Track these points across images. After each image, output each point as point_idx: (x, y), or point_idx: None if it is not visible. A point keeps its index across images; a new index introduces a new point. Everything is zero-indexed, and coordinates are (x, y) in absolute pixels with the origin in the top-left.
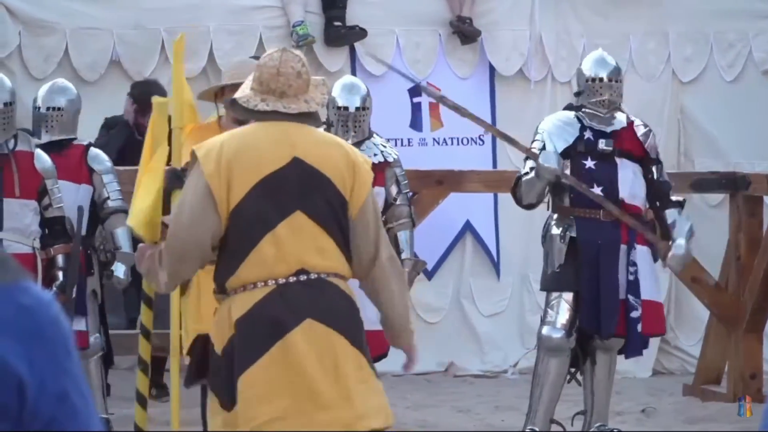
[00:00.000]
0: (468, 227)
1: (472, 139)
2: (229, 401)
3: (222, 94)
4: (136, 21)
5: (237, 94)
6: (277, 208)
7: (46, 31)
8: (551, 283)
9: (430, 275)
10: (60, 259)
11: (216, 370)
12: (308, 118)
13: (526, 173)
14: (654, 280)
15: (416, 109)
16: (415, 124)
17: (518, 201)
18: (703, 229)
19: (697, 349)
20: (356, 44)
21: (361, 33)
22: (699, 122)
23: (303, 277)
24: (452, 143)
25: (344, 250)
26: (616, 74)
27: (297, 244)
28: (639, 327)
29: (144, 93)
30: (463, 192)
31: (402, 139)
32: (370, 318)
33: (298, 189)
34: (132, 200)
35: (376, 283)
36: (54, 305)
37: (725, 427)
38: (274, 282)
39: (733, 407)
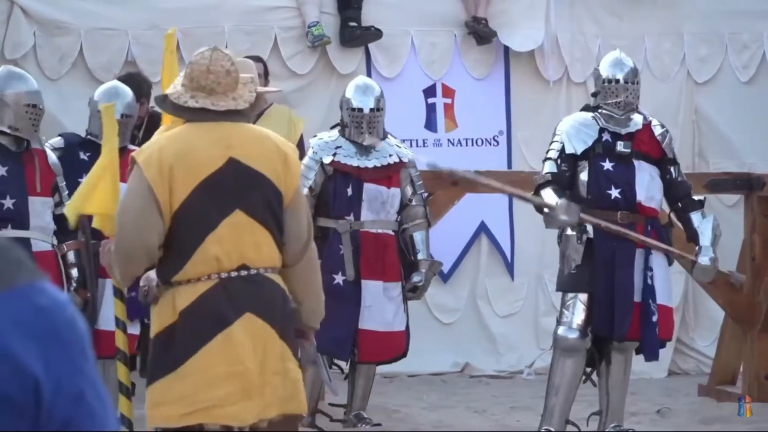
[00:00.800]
0: (483, 228)
1: (486, 140)
2: (150, 379)
3: None
4: (151, 21)
5: (168, 90)
6: (218, 208)
7: (61, 32)
8: (567, 284)
9: (446, 278)
10: (72, 256)
11: (152, 351)
12: (237, 115)
13: (545, 183)
14: (667, 286)
15: (431, 110)
16: (430, 125)
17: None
18: None
19: (713, 349)
20: (371, 45)
21: (376, 34)
22: (714, 123)
23: (244, 273)
24: (467, 144)
25: (278, 241)
26: (632, 76)
27: (237, 241)
28: (657, 331)
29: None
30: (479, 193)
31: (417, 140)
32: (387, 319)
33: (236, 188)
34: (81, 188)
35: (305, 270)
36: (70, 306)
37: (740, 427)
38: (217, 276)
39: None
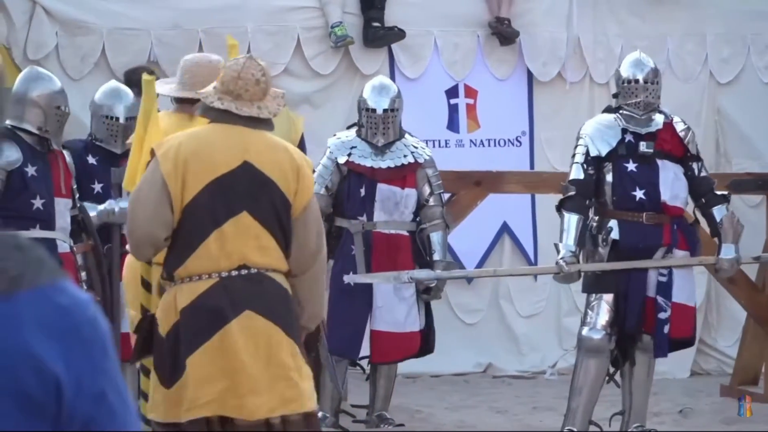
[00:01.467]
0: (505, 228)
1: (509, 140)
2: (168, 380)
3: None
4: (174, 21)
5: (201, 91)
6: (226, 208)
7: (83, 32)
8: (593, 285)
9: (469, 279)
10: (80, 258)
11: (159, 351)
12: (260, 123)
13: (568, 198)
14: (690, 285)
15: (453, 110)
16: (452, 125)
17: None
18: None
19: (735, 349)
20: (394, 45)
21: (399, 34)
22: (736, 123)
23: (244, 272)
24: (489, 144)
25: (284, 248)
26: (652, 76)
27: (241, 242)
28: (666, 328)
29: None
30: (501, 193)
31: (439, 141)
32: (398, 320)
33: (246, 191)
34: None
35: (312, 279)
36: (91, 305)
37: (762, 427)
38: (217, 275)
39: None
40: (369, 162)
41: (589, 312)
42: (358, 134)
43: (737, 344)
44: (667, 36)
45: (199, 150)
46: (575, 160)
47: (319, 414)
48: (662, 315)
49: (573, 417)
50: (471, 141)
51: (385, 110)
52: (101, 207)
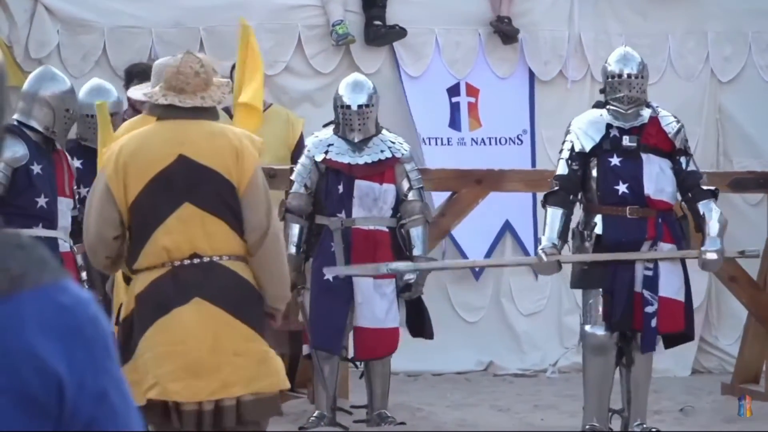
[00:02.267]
0: (507, 227)
1: (510, 138)
2: (123, 361)
3: None
4: (175, 20)
5: (147, 92)
6: (168, 202)
7: (85, 30)
8: (579, 281)
9: (477, 275)
10: (80, 259)
11: (119, 336)
12: (204, 112)
13: (552, 193)
14: (677, 280)
15: (455, 108)
16: (454, 123)
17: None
18: (742, 228)
19: (736, 348)
20: (395, 44)
21: (401, 32)
22: (738, 122)
23: (196, 260)
24: (491, 143)
25: (237, 230)
26: (637, 70)
27: (187, 232)
28: (653, 322)
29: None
30: (503, 191)
31: (441, 139)
32: (378, 316)
33: (185, 183)
34: None
35: (266, 257)
36: (93, 304)
37: (764, 426)
38: (170, 264)
39: None
40: (346, 159)
41: (590, 309)
42: (335, 132)
43: (738, 342)
44: (669, 34)
45: (136, 151)
46: (561, 156)
47: (316, 413)
48: (649, 309)
49: (591, 414)
50: (473, 139)
51: (360, 106)
52: None
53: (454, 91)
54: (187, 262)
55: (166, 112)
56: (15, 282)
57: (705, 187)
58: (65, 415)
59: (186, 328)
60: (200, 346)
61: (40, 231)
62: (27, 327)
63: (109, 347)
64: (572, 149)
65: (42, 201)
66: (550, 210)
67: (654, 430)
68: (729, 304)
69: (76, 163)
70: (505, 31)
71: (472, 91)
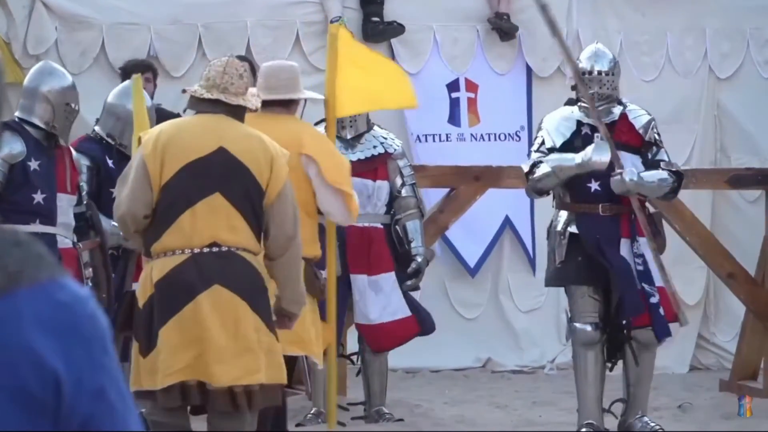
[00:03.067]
0: (507, 223)
1: (509, 134)
2: (145, 349)
3: None
4: (173, 16)
5: (189, 88)
6: (199, 188)
7: (83, 27)
8: (552, 279)
9: (473, 272)
10: (86, 256)
11: (138, 322)
12: (239, 113)
13: (539, 162)
14: (653, 268)
15: (454, 104)
16: (454, 119)
17: (537, 190)
18: (739, 224)
19: (734, 344)
20: (393, 40)
21: (398, 29)
22: (736, 118)
23: (215, 249)
24: (490, 139)
25: (255, 230)
26: (608, 67)
27: (212, 221)
28: (661, 311)
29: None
30: (501, 188)
31: (440, 135)
32: (374, 313)
33: (220, 174)
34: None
35: (288, 263)
36: (91, 301)
37: (762, 423)
38: (190, 251)
39: None
40: None
41: (577, 305)
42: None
43: (736, 339)
44: (667, 31)
45: (177, 135)
46: (531, 149)
47: (313, 410)
48: (653, 300)
49: (585, 410)
50: (472, 135)
51: None
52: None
53: (453, 86)
54: (206, 249)
55: (204, 108)
56: (12, 279)
57: (667, 168)
58: (62, 412)
59: (208, 316)
60: (223, 333)
61: (37, 227)
62: (24, 324)
63: (106, 344)
64: (542, 144)
65: (39, 197)
66: (542, 166)
67: (657, 426)
68: (727, 300)
69: (110, 163)
70: (502, 28)
71: (471, 86)
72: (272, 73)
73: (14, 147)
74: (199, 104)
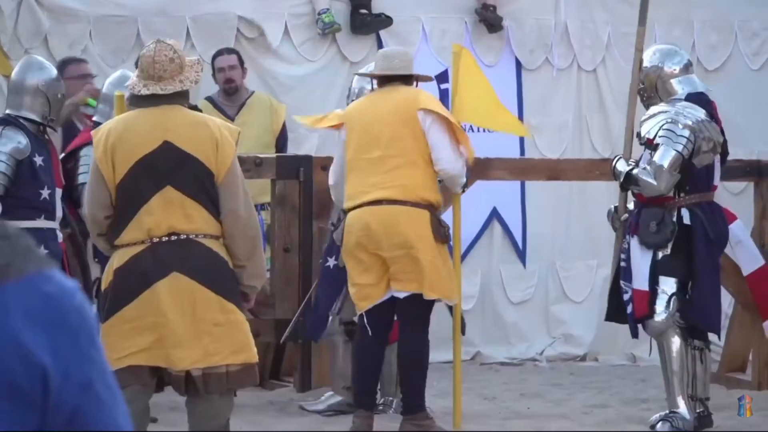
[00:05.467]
0: (495, 214)
1: None
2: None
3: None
4: (161, 8)
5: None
6: (151, 184)
7: (71, 19)
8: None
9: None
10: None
11: (100, 306)
12: (181, 96)
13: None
14: (645, 268)
15: (443, 95)
16: None
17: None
18: None
19: (722, 337)
20: (382, 32)
21: (386, 21)
22: (724, 110)
23: (173, 237)
24: (479, 130)
25: (214, 214)
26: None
27: (168, 213)
28: (629, 308)
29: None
30: (490, 179)
31: None
32: None
33: (168, 167)
34: None
35: (244, 238)
36: (78, 293)
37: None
38: (149, 240)
39: (758, 395)
40: None
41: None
42: None
43: (725, 331)
44: (655, 22)
45: (124, 135)
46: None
47: (328, 393)
48: (625, 296)
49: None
50: (462, 126)
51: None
52: None
53: (443, 77)
54: (165, 238)
55: (147, 100)
56: (0, 272)
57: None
58: (50, 404)
59: (165, 302)
60: (180, 318)
61: (42, 222)
62: (11, 316)
63: (94, 336)
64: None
65: (45, 193)
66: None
67: (671, 413)
68: None
69: None
70: (490, 20)
71: None
72: (394, 55)
73: (20, 141)
74: (140, 100)
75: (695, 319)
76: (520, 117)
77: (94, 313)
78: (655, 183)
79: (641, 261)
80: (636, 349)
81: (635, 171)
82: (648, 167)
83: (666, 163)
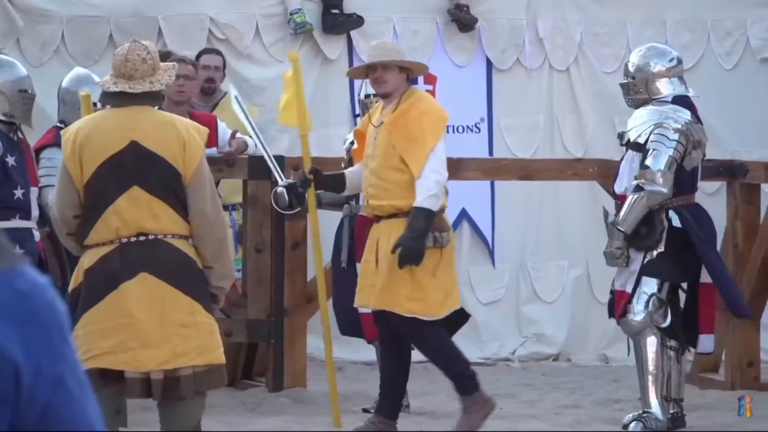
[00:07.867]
0: (464, 215)
1: (468, 126)
2: None
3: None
4: (133, 9)
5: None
6: (118, 184)
7: (44, 19)
8: None
9: None
10: None
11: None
12: (151, 97)
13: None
14: (633, 270)
15: None
16: None
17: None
18: None
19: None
20: (353, 32)
21: (358, 21)
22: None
23: (142, 238)
24: (449, 131)
25: (182, 214)
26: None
27: (135, 213)
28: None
29: None
30: (460, 180)
31: None
32: None
33: (135, 167)
34: None
35: (211, 239)
36: (50, 290)
37: (723, 415)
38: (118, 241)
39: (731, 395)
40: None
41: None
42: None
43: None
44: (627, 22)
45: (92, 135)
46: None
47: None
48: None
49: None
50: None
51: (367, 95)
52: None
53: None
54: (133, 239)
55: (115, 100)
56: None
57: None
58: (22, 400)
59: (134, 302)
60: (148, 319)
61: (17, 222)
62: None
63: (65, 333)
64: None
65: (19, 192)
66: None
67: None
68: None
69: None
70: (462, 19)
71: (430, 79)
72: (380, 45)
73: None
74: (110, 98)
75: (735, 307)
76: (490, 117)
77: (66, 310)
78: (664, 190)
79: (632, 263)
80: (608, 350)
81: (634, 194)
82: (646, 175)
83: (665, 167)
